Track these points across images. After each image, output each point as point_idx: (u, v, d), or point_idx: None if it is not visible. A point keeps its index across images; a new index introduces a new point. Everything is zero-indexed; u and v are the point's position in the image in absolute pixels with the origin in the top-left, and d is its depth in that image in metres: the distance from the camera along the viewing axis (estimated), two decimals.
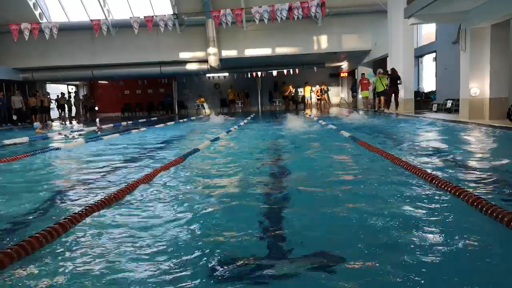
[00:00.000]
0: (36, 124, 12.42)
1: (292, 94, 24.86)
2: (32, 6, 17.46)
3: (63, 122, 19.00)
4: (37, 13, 17.75)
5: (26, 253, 2.06)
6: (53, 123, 15.88)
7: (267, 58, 19.36)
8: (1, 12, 17.19)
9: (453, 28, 11.70)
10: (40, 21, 16.95)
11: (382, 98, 15.38)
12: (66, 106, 22.24)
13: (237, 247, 2.15)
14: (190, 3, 17.06)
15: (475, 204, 2.57)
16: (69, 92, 24.81)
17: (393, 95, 14.23)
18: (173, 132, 10.46)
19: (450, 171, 4.02)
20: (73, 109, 23.99)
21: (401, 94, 13.97)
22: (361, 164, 4.55)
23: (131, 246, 2.19)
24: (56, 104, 21.70)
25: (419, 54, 17.06)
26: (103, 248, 2.17)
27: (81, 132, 11.68)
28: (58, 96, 21.93)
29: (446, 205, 2.77)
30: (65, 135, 10.67)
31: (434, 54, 15.95)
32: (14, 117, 17.37)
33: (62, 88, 24.64)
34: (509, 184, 3.43)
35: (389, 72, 14.30)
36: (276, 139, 7.69)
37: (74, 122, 19.25)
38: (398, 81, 13.79)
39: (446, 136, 7.54)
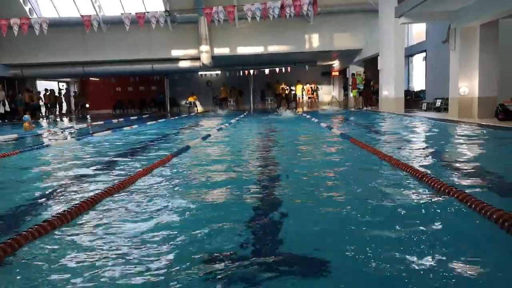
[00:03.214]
0: (27, 116, 11.61)
1: (286, 93, 24.83)
2: (21, 1, 17.27)
3: (54, 119, 18.81)
4: (27, 8, 17.57)
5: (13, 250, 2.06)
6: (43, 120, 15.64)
7: (259, 56, 19.37)
8: None
9: (443, 28, 11.81)
10: (30, 17, 16.75)
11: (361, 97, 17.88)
12: (56, 102, 22.03)
13: (227, 248, 2.16)
14: (182, 0, 16.99)
15: (455, 196, 2.62)
16: (59, 89, 24.53)
17: (365, 94, 17.22)
18: (164, 130, 10.43)
19: (435, 166, 4.09)
20: (64, 106, 23.76)
21: (391, 93, 14.11)
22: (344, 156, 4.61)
23: (118, 248, 2.16)
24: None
25: (409, 53, 17.21)
26: (85, 250, 2.15)
27: (71, 129, 11.58)
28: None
29: (430, 200, 2.82)
30: (55, 132, 10.57)
31: (424, 54, 16.10)
32: None
33: (52, 84, 24.36)
34: (493, 180, 3.50)
35: (364, 76, 17.55)
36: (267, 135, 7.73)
37: (65, 119, 19.05)
38: (372, 82, 16.93)
39: (434, 134, 7.62)
